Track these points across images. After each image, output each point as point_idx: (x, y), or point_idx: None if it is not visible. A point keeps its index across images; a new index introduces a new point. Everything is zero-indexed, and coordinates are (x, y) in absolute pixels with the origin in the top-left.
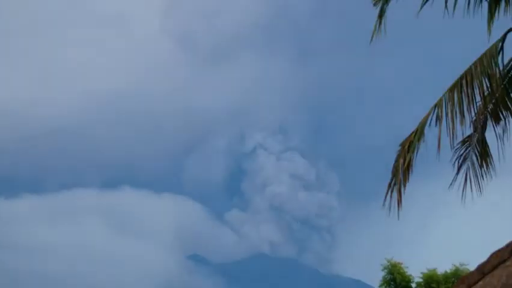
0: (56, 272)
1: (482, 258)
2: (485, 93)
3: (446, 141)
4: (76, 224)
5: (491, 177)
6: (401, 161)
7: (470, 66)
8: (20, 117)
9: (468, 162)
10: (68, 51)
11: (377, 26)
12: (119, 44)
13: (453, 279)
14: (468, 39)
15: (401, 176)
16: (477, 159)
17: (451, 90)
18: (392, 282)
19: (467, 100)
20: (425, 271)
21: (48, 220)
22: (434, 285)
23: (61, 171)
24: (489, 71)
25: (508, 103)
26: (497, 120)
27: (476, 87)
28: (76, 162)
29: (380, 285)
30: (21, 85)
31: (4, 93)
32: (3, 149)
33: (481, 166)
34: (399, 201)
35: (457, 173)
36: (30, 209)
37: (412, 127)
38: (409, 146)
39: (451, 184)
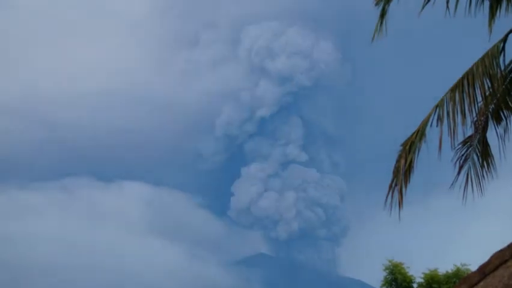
0: (52, 266)
1: (484, 258)
2: (487, 94)
3: (447, 141)
4: (74, 218)
5: (493, 177)
6: (402, 161)
7: (472, 67)
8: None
9: (469, 163)
10: (58, 51)
11: (379, 25)
12: (120, 40)
13: (454, 279)
14: (469, 39)
15: (402, 176)
16: (478, 159)
17: (452, 90)
18: (393, 283)
19: (468, 100)
20: (427, 271)
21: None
22: (435, 285)
23: (44, 165)
24: (490, 72)
25: (510, 103)
26: (498, 120)
27: (478, 87)
28: (70, 155)
29: (382, 286)
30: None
31: None
32: None
33: (482, 166)
34: (400, 202)
35: (458, 174)
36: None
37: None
38: (410, 147)
39: (452, 184)
